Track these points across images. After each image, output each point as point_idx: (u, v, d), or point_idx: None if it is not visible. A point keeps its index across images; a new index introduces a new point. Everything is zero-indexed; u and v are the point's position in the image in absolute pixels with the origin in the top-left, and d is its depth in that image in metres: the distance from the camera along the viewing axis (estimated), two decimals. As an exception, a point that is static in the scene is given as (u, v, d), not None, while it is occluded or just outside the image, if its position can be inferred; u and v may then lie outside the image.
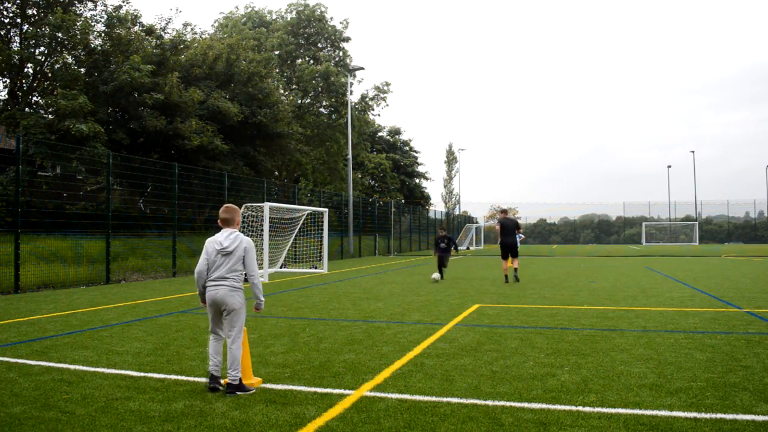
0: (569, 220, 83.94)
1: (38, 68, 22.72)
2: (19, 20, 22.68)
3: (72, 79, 21.94)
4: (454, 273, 19.14)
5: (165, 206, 20.52)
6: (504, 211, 16.94)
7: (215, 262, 4.89)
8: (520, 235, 17.80)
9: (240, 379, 4.76)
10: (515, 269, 15.27)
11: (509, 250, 15.21)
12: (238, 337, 4.83)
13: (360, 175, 53.35)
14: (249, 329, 7.62)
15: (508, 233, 15.25)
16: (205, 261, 4.91)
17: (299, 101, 41.05)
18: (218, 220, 5.07)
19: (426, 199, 66.75)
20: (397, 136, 64.28)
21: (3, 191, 18.17)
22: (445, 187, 77.01)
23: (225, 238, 4.93)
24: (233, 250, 4.88)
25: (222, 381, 4.84)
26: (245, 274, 4.95)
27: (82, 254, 15.71)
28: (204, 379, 5.16)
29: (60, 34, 21.52)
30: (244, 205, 17.95)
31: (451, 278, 16.78)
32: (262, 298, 5.07)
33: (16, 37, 22.93)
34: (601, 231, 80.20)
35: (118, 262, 16.73)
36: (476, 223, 65.68)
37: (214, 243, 4.95)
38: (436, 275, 15.97)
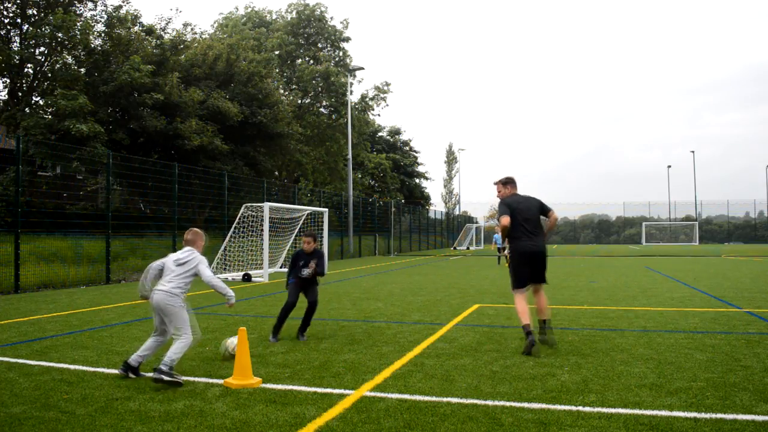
0: (569, 220, 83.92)
1: (38, 68, 22.73)
2: (19, 20, 22.69)
3: (72, 79, 21.95)
4: (455, 273, 19.15)
5: (165, 206, 20.52)
6: (508, 182, 6.91)
7: (169, 270, 5.35)
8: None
9: (171, 368, 4.92)
10: (545, 320, 6.69)
11: (534, 265, 6.57)
12: (185, 333, 5.19)
13: (360, 175, 53.35)
14: (249, 329, 7.62)
15: (527, 227, 6.55)
16: (160, 264, 5.41)
17: (299, 101, 41.06)
18: (183, 240, 5.60)
19: (426, 199, 66.77)
20: (397, 136, 64.30)
21: (3, 191, 18.17)
22: (445, 187, 77.14)
23: (182, 251, 5.50)
24: (187, 261, 5.39)
25: (137, 374, 5.22)
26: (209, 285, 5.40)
27: (82, 254, 15.71)
28: (204, 379, 5.17)
29: (60, 34, 21.53)
30: (244, 205, 17.95)
31: (451, 278, 16.78)
32: (229, 294, 5.51)
33: (16, 37, 22.96)
34: (601, 231, 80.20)
35: (118, 262, 16.73)
36: (476, 223, 65.68)
37: (173, 255, 5.50)
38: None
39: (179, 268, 5.35)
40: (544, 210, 6.75)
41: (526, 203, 6.69)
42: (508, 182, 6.92)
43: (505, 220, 6.47)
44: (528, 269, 6.55)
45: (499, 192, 6.90)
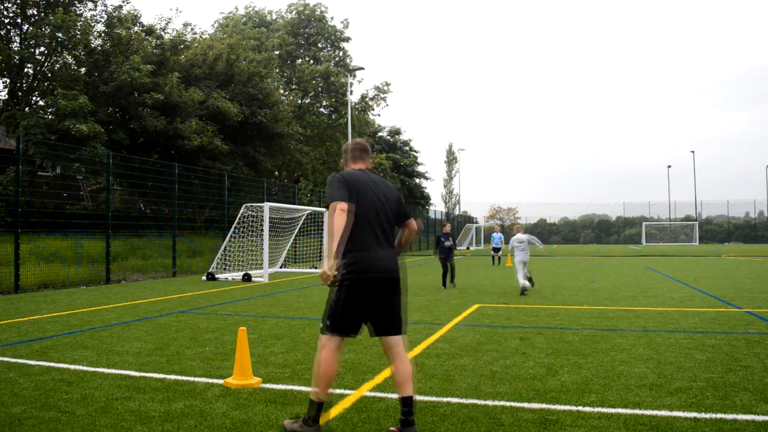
0: (569, 220, 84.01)
1: (38, 68, 22.72)
2: (19, 20, 22.69)
3: (72, 79, 21.96)
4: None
5: (165, 206, 20.52)
6: (360, 150, 4.11)
7: None
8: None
9: None
10: (407, 398, 3.78)
11: (379, 301, 3.82)
12: None
13: (360, 175, 53.25)
14: (249, 329, 7.62)
15: (380, 232, 3.88)
16: None
17: (299, 101, 41.06)
18: None
19: (426, 199, 66.73)
20: (397, 136, 64.25)
21: (3, 191, 18.17)
22: (445, 187, 77.00)
23: None
24: None
25: None
26: None
27: (82, 254, 15.70)
28: (204, 379, 5.16)
29: (60, 34, 21.52)
30: (244, 205, 17.95)
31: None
32: None
33: (16, 37, 22.95)
34: (601, 231, 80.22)
35: (118, 262, 16.73)
36: (476, 223, 65.68)
37: None
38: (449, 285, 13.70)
39: None
40: (403, 211, 4.02)
41: (381, 189, 3.91)
42: (358, 149, 4.06)
43: (342, 206, 3.61)
44: (365, 306, 3.76)
45: (342, 164, 4.19)
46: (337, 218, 3.57)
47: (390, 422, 3.99)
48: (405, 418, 3.63)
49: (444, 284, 13.89)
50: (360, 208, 3.72)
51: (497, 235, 25.23)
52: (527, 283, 12.41)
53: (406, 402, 3.66)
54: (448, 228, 14.87)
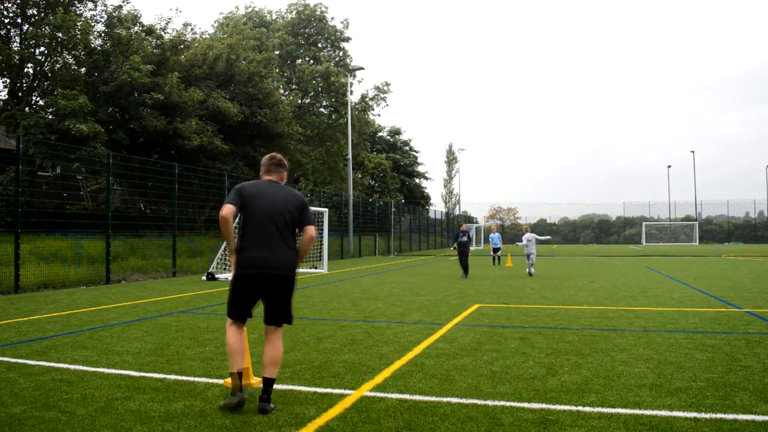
0: (569, 220, 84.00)
1: (38, 68, 22.73)
2: (19, 20, 22.69)
3: (72, 79, 21.96)
4: (454, 273, 19.14)
5: (165, 206, 20.52)
6: (270, 164, 4.77)
7: None
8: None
9: None
10: (268, 380, 4.52)
11: (262, 294, 4.50)
12: None
13: (360, 175, 53.34)
14: (249, 329, 7.60)
15: (264, 233, 4.47)
16: None
17: (299, 101, 41.06)
18: None
19: (426, 199, 66.76)
20: (397, 136, 64.30)
21: (3, 191, 18.17)
22: (445, 187, 77.09)
23: None
24: None
25: None
26: None
27: (82, 254, 15.70)
28: (204, 379, 5.16)
29: (60, 34, 21.54)
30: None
31: (450, 278, 16.78)
32: None
33: (16, 37, 22.96)
34: (601, 231, 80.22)
35: (118, 262, 16.72)
36: (476, 223, 65.66)
37: None
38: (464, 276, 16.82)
39: None
40: (302, 218, 4.47)
41: (279, 197, 4.41)
42: (269, 163, 4.64)
43: (224, 210, 4.24)
44: (251, 297, 4.39)
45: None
46: (221, 217, 4.30)
47: (390, 422, 3.99)
48: (262, 395, 4.28)
49: (465, 274, 16.99)
50: (251, 213, 4.36)
51: (495, 236, 25.17)
52: (533, 269, 17.75)
53: (266, 382, 4.32)
54: (464, 227, 17.55)
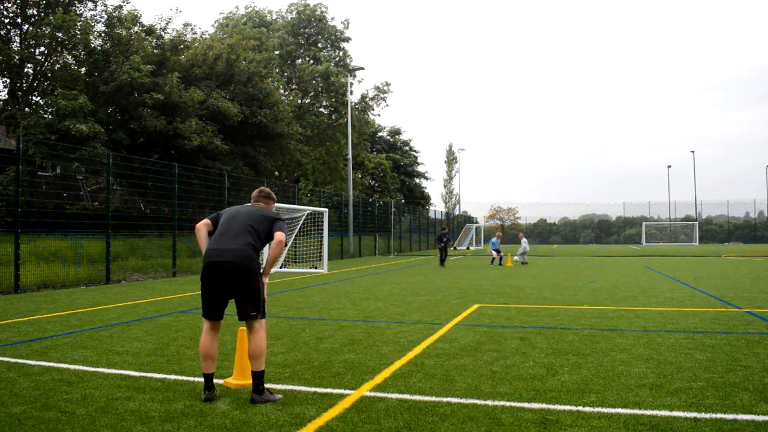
0: (569, 220, 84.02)
1: (38, 68, 22.72)
2: (19, 20, 22.68)
3: (72, 79, 21.95)
4: (454, 273, 19.15)
5: (165, 206, 20.51)
6: (256, 194, 5.51)
7: None
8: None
9: None
10: (256, 373, 4.86)
11: (223, 287, 4.81)
12: None
13: (360, 175, 53.33)
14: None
15: (226, 236, 4.96)
16: None
17: (299, 101, 41.04)
18: None
19: (426, 199, 66.75)
20: (397, 136, 64.28)
21: (3, 191, 18.17)
22: (445, 187, 77.02)
23: None
24: None
25: None
26: None
27: (82, 254, 15.70)
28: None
29: (60, 34, 21.53)
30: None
31: (451, 278, 16.77)
32: None
33: (16, 37, 22.94)
34: (601, 231, 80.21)
35: (118, 262, 16.72)
36: (476, 223, 65.66)
37: None
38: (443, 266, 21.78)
39: None
40: (271, 227, 4.81)
41: (246, 210, 4.93)
42: (257, 195, 5.24)
43: (199, 224, 4.91)
44: (214, 291, 4.65)
45: None
46: (196, 229, 4.88)
47: (390, 422, 3.99)
48: (254, 387, 4.56)
49: (441, 264, 23.08)
50: (221, 224, 4.84)
51: (497, 241, 25.41)
52: (523, 258, 23.35)
53: (252, 375, 4.61)
54: (445, 229, 25.00)
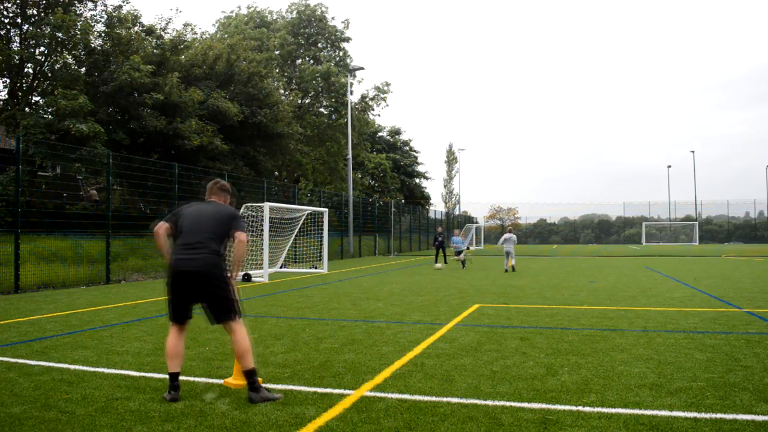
0: (569, 220, 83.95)
1: (38, 68, 22.71)
2: (19, 20, 22.67)
3: (72, 79, 21.94)
4: (455, 272, 19.14)
5: (165, 206, 20.50)
6: (211, 186, 5.40)
7: None
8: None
9: None
10: (249, 371, 4.97)
11: (193, 293, 4.99)
12: None
13: (360, 175, 53.32)
14: (249, 329, 7.61)
15: (188, 239, 4.99)
16: None
17: (299, 101, 41.04)
18: None
19: (426, 199, 66.74)
20: (397, 136, 64.27)
21: (3, 191, 18.16)
22: (445, 187, 76.94)
23: None
24: None
25: None
26: None
27: (82, 254, 15.70)
28: (204, 379, 5.16)
29: (60, 34, 21.51)
30: (244, 205, 17.94)
31: (451, 278, 16.77)
32: None
33: (16, 37, 22.93)
34: (601, 231, 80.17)
35: (118, 262, 16.72)
36: (476, 223, 65.66)
37: None
38: (438, 265, 21.52)
39: None
40: (231, 226, 4.84)
41: (206, 212, 4.92)
42: (212, 186, 5.19)
43: (157, 227, 4.87)
44: (183, 298, 4.78)
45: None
46: (154, 234, 4.85)
47: (390, 422, 3.99)
48: (249, 386, 4.56)
49: (435, 262, 22.78)
50: (181, 227, 4.81)
51: (456, 238, 23.47)
52: (513, 261, 19.87)
53: (246, 374, 4.59)
54: (440, 230, 24.67)
